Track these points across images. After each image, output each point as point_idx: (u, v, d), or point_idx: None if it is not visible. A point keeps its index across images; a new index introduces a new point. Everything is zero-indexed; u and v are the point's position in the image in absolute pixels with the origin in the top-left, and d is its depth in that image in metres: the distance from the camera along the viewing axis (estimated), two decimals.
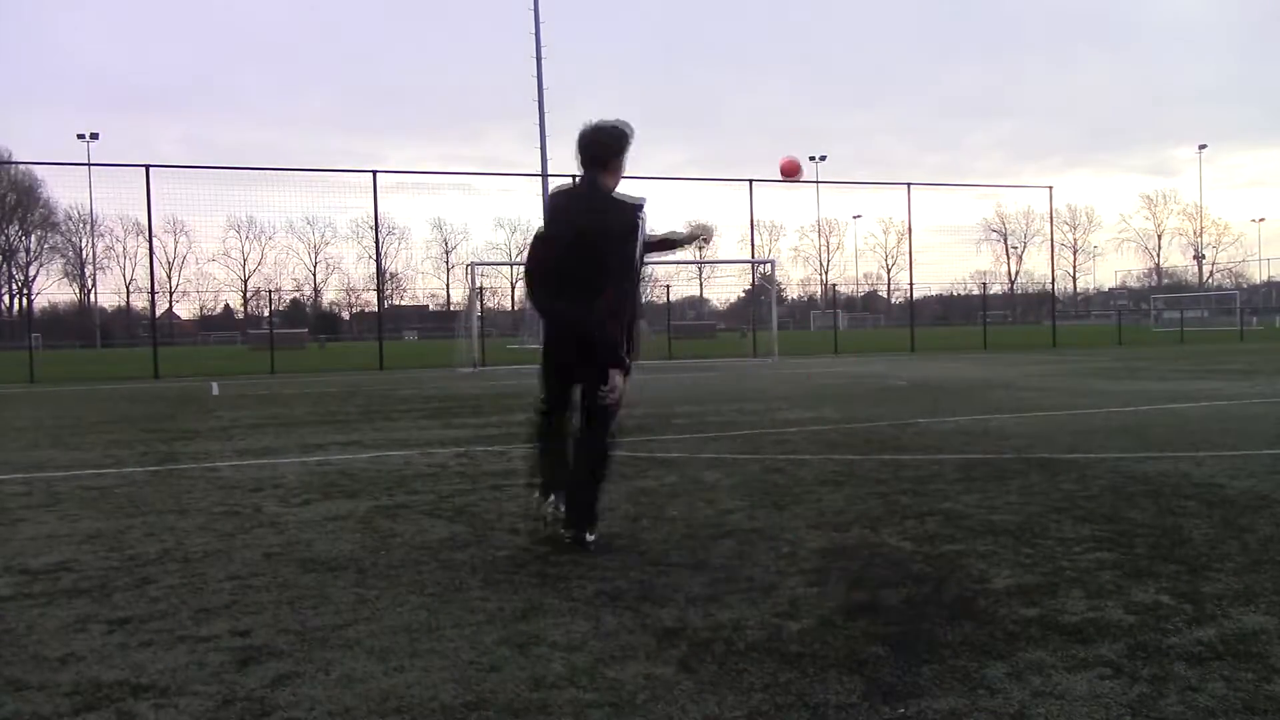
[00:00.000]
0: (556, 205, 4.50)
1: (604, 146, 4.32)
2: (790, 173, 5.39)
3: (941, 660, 2.83)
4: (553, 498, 4.46)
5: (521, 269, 4.54)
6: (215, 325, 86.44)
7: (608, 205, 4.26)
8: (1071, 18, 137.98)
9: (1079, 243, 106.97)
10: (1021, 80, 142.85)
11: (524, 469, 4.68)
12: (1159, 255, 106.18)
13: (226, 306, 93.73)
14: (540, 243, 4.49)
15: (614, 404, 4.28)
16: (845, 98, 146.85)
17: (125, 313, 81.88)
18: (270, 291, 45.58)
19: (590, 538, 4.35)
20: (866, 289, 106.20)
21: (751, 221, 32.99)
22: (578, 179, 4.46)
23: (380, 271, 38.77)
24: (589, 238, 4.19)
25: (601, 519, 4.53)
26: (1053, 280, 42.33)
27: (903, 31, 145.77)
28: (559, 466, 4.47)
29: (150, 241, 27.95)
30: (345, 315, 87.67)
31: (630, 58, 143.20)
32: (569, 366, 4.39)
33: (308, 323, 74.60)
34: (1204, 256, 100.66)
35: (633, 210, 4.24)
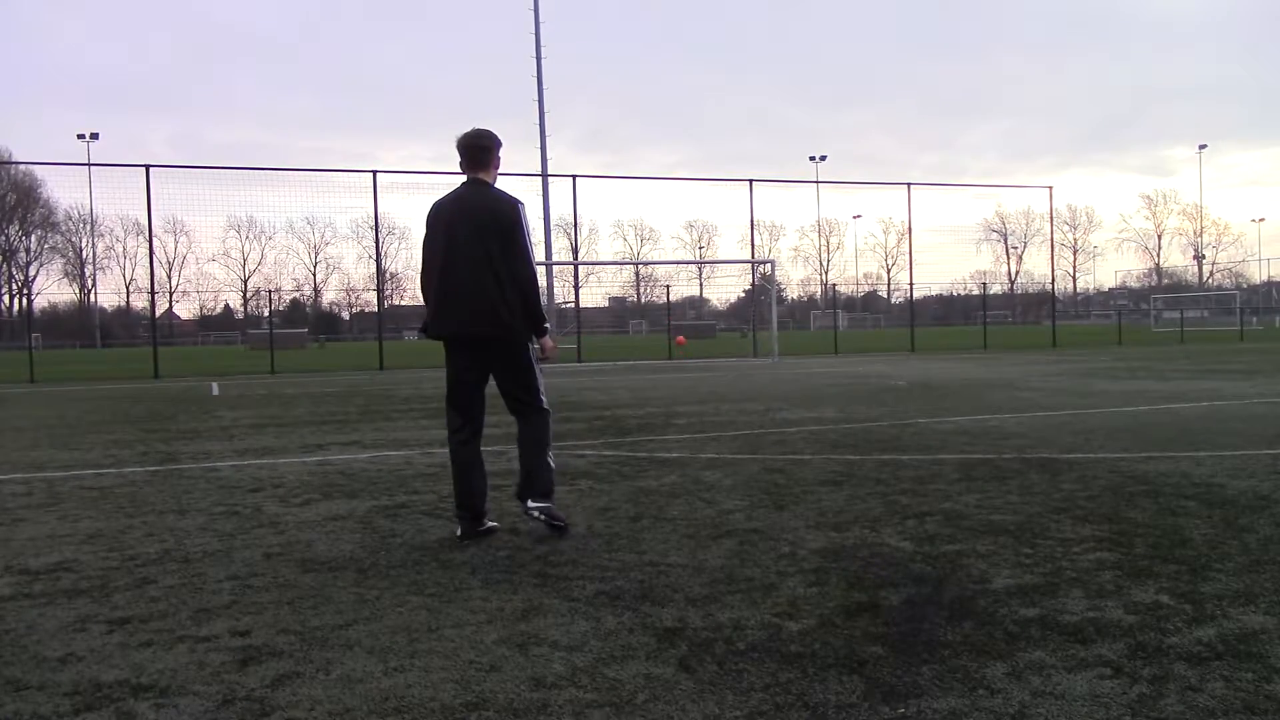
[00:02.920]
0: (445, 207, 4.69)
1: (484, 148, 4.70)
2: None
3: (941, 660, 2.83)
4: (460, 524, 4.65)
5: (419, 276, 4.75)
6: (215, 325, 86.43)
7: (498, 198, 4.63)
8: (1070, 16, 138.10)
9: (1079, 243, 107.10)
10: (1020, 79, 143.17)
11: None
12: (1159, 255, 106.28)
13: (226, 306, 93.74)
14: (434, 246, 4.65)
15: (551, 354, 4.79)
16: (844, 97, 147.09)
17: (125, 313, 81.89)
18: (270, 291, 45.59)
19: (534, 504, 4.57)
20: (866, 289, 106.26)
21: (751, 221, 32.98)
22: (463, 183, 4.73)
23: (380, 271, 38.70)
24: (488, 229, 4.53)
25: (552, 497, 4.68)
26: (1053, 280, 42.35)
27: (902, 31, 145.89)
28: (477, 485, 4.63)
29: (150, 241, 27.85)
30: (345, 315, 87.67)
31: (629, 58, 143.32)
32: (479, 370, 4.66)
33: (308, 323, 74.61)
34: (1204, 256, 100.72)
35: (515, 202, 4.63)
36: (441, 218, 4.64)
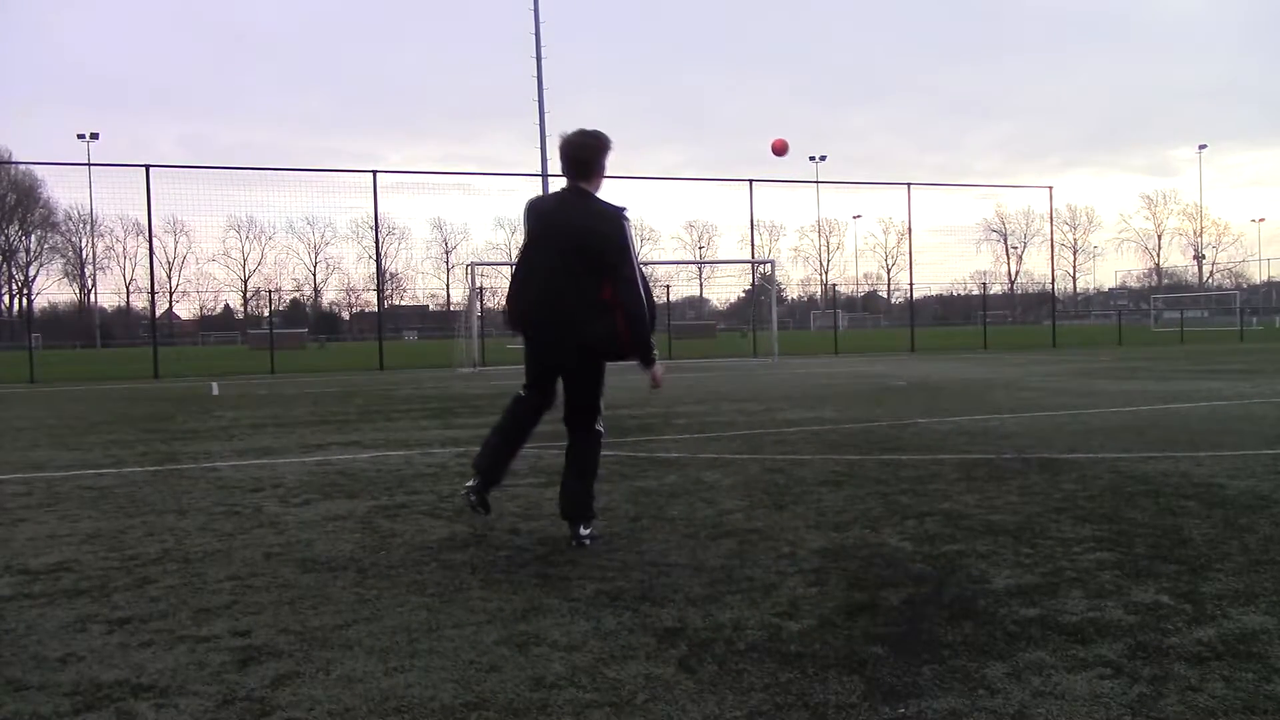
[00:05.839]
0: (545, 214, 4.46)
1: (584, 161, 4.39)
2: (780, 150, 5.88)
3: (941, 660, 2.83)
4: (472, 483, 4.47)
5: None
6: (215, 325, 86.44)
7: (599, 215, 4.33)
8: (1071, 17, 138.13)
9: (1079, 243, 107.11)
10: (1022, 80, 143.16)
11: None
12: (1159, 255, 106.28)
13: (226, 306, 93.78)
14: (526, 253, 4.43)
15: (657, 382, 4.53)
16: (845, 98, 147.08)
17: (125, 313, 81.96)
18: (270, 291, 45.66)
19: (585, 531, 4.42)
20: (866, 289, 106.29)
21: (751, 221, 32.98)
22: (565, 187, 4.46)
23: (380, 271, 38.80)
24: (584, 250, 4.26)
25: (598, 517, 4.58)
26: (1053, 280, 42.38)
27: (903, 31, 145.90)
28: (502, 453, 4.52)
29: (150, 241, 27.87)
30: (345, 315, 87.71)
31: (630, 57, 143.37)
32: (554, 370, 4.50)
33: (308, 323, 74.65)
34: (1204, 256, 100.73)
35: (618, 217, 4.32)
36: (538, 225, 4.42)
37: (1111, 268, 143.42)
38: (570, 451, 4.54)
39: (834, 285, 77.59)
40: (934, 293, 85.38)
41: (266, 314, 52.69)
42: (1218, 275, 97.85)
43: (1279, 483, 5.52)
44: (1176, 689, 2.59)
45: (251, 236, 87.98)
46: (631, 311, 4.28)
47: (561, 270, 4.29)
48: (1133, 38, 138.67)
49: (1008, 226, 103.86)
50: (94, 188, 63.73)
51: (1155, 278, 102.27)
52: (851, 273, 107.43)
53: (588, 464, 4.50)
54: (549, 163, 28.66)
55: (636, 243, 4.40)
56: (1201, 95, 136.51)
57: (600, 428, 4.57)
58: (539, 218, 4.46)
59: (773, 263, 36.38)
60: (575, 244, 4.27)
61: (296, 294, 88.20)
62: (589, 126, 4.47)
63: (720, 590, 3.61)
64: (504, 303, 4.63)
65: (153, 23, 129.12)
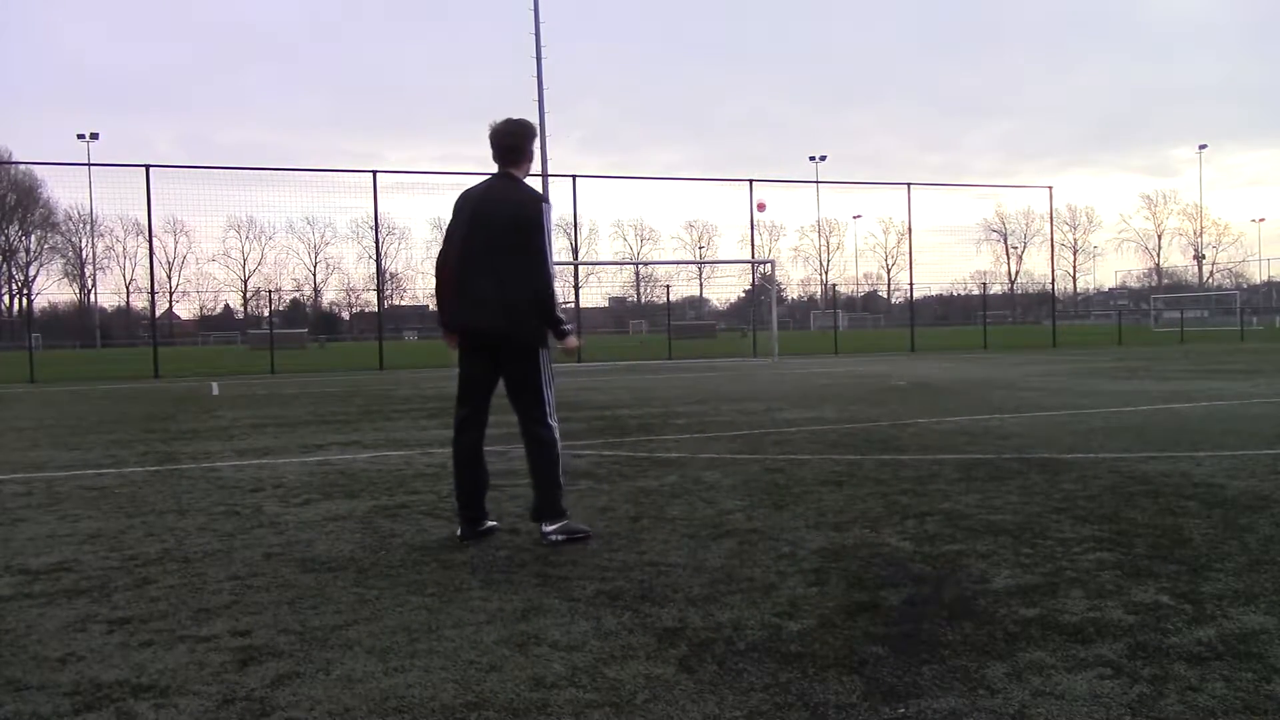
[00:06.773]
0: (471, 198, 4.62)
1: (512, 147, 4.61)
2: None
3: (941, 660, 2.83)
4: (460, 531, 4.62)
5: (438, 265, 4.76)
6: (215, 325, 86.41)
7: (521, 198, 4.54)
8: (1071, 17, 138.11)
9: (1079, 243, 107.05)
10: (1021, 80, 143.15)
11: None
12: (1159, 255, 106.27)
13: (226, 306, 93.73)
14: (453, 236, 4.60)
15: (572, 348, 4.72)
16: (845, 97, 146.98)
17: (125, 313, 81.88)
18: (270, 291, 45.68)
19: (549, 528, 4.46)
20: (866, 289, 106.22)
21: (751, 221, 32.95)
22: (494, 174, 4.68)
23: (380, 271, 38.76)
24: (507, 228, 4.46)
25: (567, 514, 4.56)
26: (1053, 280, 42.41)
27: (902, 31, 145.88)
28: (471, 492, 4.60)
29: (150, 241, 27.86)
30: (345, 315, 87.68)
31: (630, 57, 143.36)
32: (486, 368, 4.57)
33: (308, 323, 74.65)
34: (1204, 256, 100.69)
35: (537, 201, 4.55)
36: (466, 209, 4.59)
37: (1111, 268, 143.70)
38: (527, 453, 4.62)
39: (834, 285, 77.49)
40: (934, 293, 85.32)
41: (266, 314, 52.72)
42: (1218, 275, 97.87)
43: (1279, 483, 5.52)
44: (1176, 689, 2.59)
45: (251, 236, 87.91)
46: (541, 290, 4.46)
47: (493, 255, 4.47)
48: (1132, 38, 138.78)
49: (1008, 226, 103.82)
50: (94, 188, 63.83)
51: (1155, 278, 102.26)
52: (851, 273, 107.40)
53: (544, 462, 4.54)
54: (548, 163, 28.60)
55: (551, 230, 4.59)
56: (1201, 95, 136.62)
57: (552, 422, 4.58)
58: (469, 205, 4.59)
59: (773, 263, 36.40)
60: (503, 227, 4.47)
61: (296, 294, 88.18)
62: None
63: (720, 590, 3.61)
64: (435, 288, 4.73)
65: (153, 22, 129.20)
